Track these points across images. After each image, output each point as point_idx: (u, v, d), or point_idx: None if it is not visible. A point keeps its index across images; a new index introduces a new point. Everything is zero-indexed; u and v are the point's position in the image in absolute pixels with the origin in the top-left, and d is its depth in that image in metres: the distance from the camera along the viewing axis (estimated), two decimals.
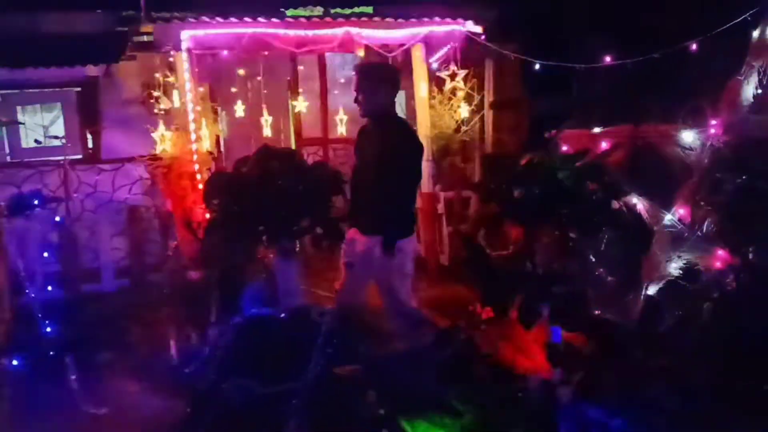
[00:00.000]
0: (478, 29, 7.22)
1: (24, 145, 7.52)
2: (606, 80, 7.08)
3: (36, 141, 7.08)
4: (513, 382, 2.86)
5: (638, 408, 2.81)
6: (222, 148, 8.42)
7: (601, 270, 4.47)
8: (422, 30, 7.07)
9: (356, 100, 4.28)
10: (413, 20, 7.09)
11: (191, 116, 6.51)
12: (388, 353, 2.84)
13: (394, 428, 2.42)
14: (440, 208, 7.42)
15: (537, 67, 7.01)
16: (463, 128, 7.64)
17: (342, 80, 7.57)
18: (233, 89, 6.86)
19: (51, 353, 5.10)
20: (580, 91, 7.50)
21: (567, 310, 3.29)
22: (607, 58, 6.53)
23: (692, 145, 4.64)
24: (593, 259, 4.44)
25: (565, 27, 7.96)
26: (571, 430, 2.61)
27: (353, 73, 4.54)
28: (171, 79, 6.68)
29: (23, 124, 7.04)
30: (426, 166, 7.49)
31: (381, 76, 4.40)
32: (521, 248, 3.91)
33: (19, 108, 7.60)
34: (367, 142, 4.30)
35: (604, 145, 5.16)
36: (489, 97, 8.16)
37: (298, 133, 8.89)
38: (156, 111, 7.11)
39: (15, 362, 5.04)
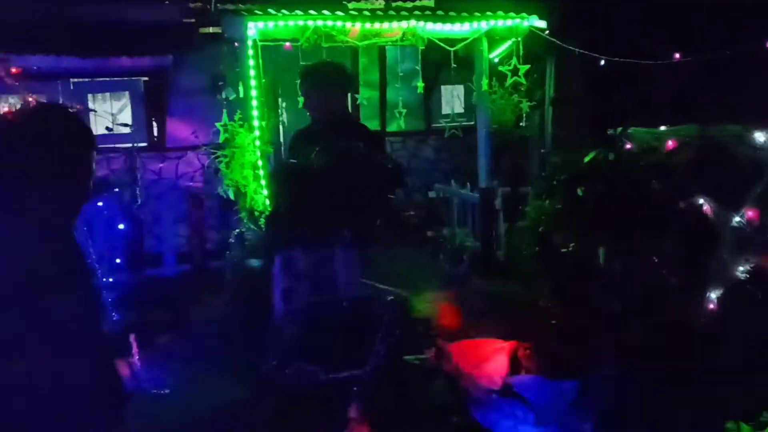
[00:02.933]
0: (542, 24, 7.14)
1: (94, 132, 7.79)
2: (672, 78, 6.93)
3: (107, 128, 7.32)
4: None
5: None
6: (282, 139, 8.57)
7: (665, 271, 4.39)
8: (485, 24, 7.04)
9: (305, 106, 4.10)
10: (476, 14, 7.06)
11: (254, 106, 6.62)
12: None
13: (463, 417, 2.44)
14: (497, 203, 7.38)
15: (602, 63, 6.89)
16: (523, 124, 7.58)
17: (401, 73, 7.59)
18: (297, 81, 6.93)
19: (116, 334, 5.27)
20: (644, 88, 7.36)
21: (639, 309, 3.25)
22: (675, 55, 6.39)
23: (765, 145, 4.50)
24: (656, 260, 4.36)
25: (630, 22, 7.80)
26: None
27: (302, 77, 4.29)
28: (236, 69, 6.82)
29: (95, 111, 7.29)
30: (483, 162, 7.49)
31: (332, 77, 4.15)
32: (584, 246, 3.87)
33: (90, 96, 7.85)
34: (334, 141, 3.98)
35: (670, 144, 5.06)
36: (550, 93, 8.08)
37: None
38: (220, 101, 7.27)
39: None
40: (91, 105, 7.55)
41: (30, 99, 5.24)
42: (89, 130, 2.22)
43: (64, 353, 1.84)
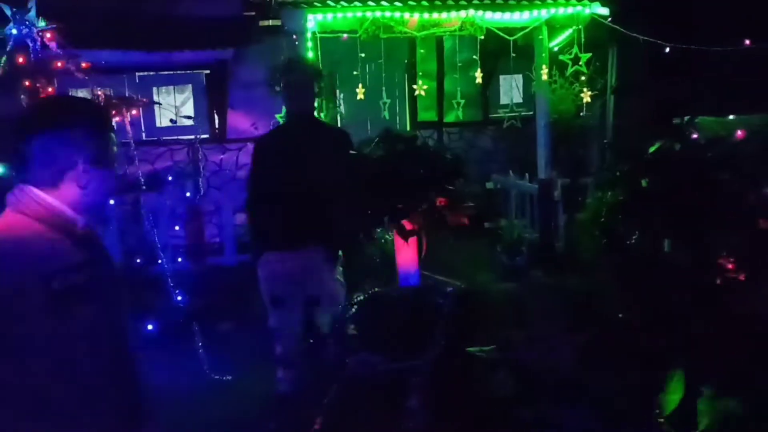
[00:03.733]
0: (605, 11, 6.98)
1: (158, 124, 7.99)
2: (741, 65, 6.70)
3: (171, 121, 7.52)
4: None
5: None
6: None
7: (734, 264, 4.25)
8: (545, 12, 6.93)
9: (286, 99, 3.99)
10: (536, 2, 6.95)
11: None
12: (523, 335, 2.84)
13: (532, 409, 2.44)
14: (557, 195, 7.28)
15: (667, 50, 6.70)
16: (583, 113, 7.45)
17: (459, 63, 7.54)
18: (354, 72, 6.99)
19: (180, 320, 5.40)
20: (711, 76, 7.13)
21: (707, 302, 3.16)
22: (745, 42, 6.17)
23: None
24: (725, 252, 4.24)
25: (697, 7, 7.56)
26: None
27: (282, 72, 4.08)
28: None
29: (160, 104, 7.49)
30: (542, 152, 7.39)
31: (311, 74, 4.07)
32: (649, 238, 3.78)
33: (154, 89, 8.07)
34: (298, 149, 3.80)
35: (739, 133, 4.90)
36: (612, 82, 7.91)
37: (414, 116, 8.96)
38: (279, 93, 7.33)
39: (150, 327, 5.40)
40: (155, 98, 7.74)
41: (98, 92, 5.39)
42: (94, 112, 2.03)
43: (80, 361, 1.81)
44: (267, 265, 3.86)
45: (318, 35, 6.63)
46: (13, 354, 1.72)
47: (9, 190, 1.92)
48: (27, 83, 5.08)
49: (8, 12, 4.71)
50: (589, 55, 6.98)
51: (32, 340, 1.73)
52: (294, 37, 6.84)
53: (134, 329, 2.18)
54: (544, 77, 7.12)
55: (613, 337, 2.61)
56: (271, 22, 7.36)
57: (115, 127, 2.03)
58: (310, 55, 6.61)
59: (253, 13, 7.52)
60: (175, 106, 8.08)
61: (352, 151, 3.99)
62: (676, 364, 2.59)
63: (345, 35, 6.86)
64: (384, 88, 7.36)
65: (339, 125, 8.44)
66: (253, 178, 3.93)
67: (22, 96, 5.07)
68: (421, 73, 8.31)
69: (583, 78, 7.12)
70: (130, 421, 1.95)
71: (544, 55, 7.12)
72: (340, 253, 3.87)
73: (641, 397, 2.42)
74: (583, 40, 6.97)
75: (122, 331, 1.99)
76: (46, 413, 1.77)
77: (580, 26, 6.93)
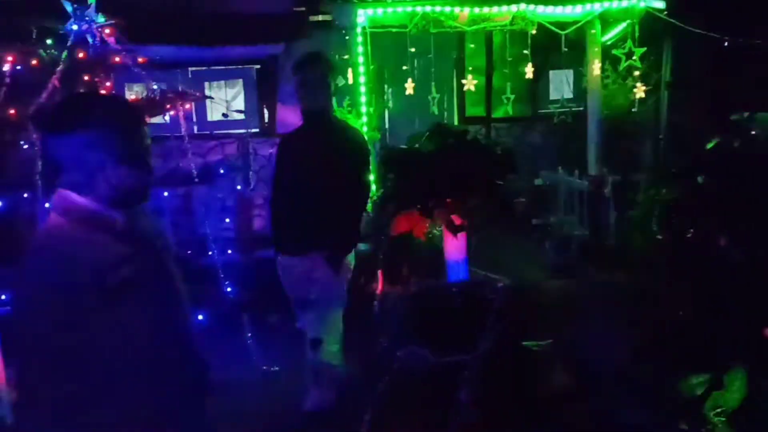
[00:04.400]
0: (660, 4, 6.83)
1: (209, 118, 8.11)
2: None
3: (223, 115, 7.63)
4: None
5: None
6: (387, 125, 8.64)
7: None
8: (598, 5, 6.81)
9: (300, 98, 3.79)
10: None
11: (362, 93, 6.72)
12: (577, 330, 2.81)
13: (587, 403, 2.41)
14: (607, 191, 7.16)
15: (725, 44, 6.52)
16: (635, 109, 7.31)
17: (509, 58, 7.47)
18: (404, 67, 7.00)
19: (229, 311, 5.49)
20: None
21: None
22: None
23: None
24: None
25: (754, 0, 7.34)
26: None
27: (295, 68, 3.88)
28: (346, 57, 6.93)
29: (212, 98, 7.62)
30: (593, 148, 7.29)
31: (326, 70, 3.84)
32: (706, 236, 3.69)
33: (206, 84, 8.20)
34: (309, 149, 3.72)
35: None
36: (666, 77, 7.74)
37: (462, 111, 8.92)
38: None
39: (200, 317, 5.50)
40: (207, 92, 7.87)
41: (153, 87, 5.50)
42: (117, 109, 1.98)
43: (141, 348, 1.86)
44: (283, 269, 3.88)
45: (368, 30, 6.65)
46: (78, 346, 1.79)
47: None
48: (86, 77, 5.23)
49: (69, 8, 4.84)
50: (643, 49, 6.84)
51: (94, 332, 1.79)
52: (344, 32, 6.88)
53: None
54: (597, 72, 7.01)
55: (669, 334, 2.56)
56: (321, 18, 7.41)
57: (145, 120, 2.00)
58: (360, 50, 6.64)
59: (304, 9, 7.58)
60: (226, 100, 8.20)
61: (366, 152, 3.89)
62: (737, 363, 2.53)
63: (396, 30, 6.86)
64: (433, 83, 7.35)
65: (387, 120, 8.49)
66: (274, 177, 3.93)
67: (82, 90, 5.21)
68: (470, 68, 8.25)
69: (636, 73, 6.97)
70: (191, 400, 2.00)
71: (596, 49, 7.01)
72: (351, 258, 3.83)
73: (698, 395, 2.37)
74: (637, 34, 6.83)
75: (180, 319, 2.03)
76: (112, 399, 1.82)
77: (635, 20, 6.80)
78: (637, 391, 2.30)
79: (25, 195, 5.45)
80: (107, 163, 1.85)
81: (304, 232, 3.64)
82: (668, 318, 2.87)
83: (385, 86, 8.65)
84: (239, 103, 8.36)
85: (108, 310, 1.79)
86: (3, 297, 4.97)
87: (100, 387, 1.81)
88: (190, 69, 7.99)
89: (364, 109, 6.71)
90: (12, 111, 5.21)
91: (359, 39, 6.63)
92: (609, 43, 7.18)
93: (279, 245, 3.94)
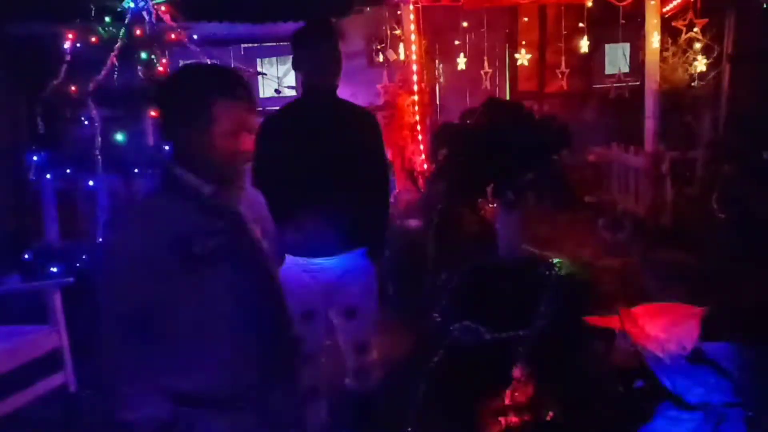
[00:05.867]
0: None
1: (261, 95, 8.17)
2: None
3: (276, 91, 7.68)
4: None
5: None
6: (438, 101, 8.58)
7: None
8: None
9: (306, 72, 3.23)
10: None
11: (414, 68, 6.67)
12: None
13: (648, 381, 2.38)
14: (664, 168, 6.98)
15: None
16: (695, 83, 7.09)
17: (565, 32, 7.31)
18: (456, 42, 6.92)
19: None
20: None
21: None
22: None
23: None
24: None
25: None
26: None
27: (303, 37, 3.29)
28: (397, 32, 6.89)
29: (266, 74, 7.67)
30: (650, 124, 7.09)
31: (338, 40, 3.34)
32: None
33: (258, 60, 8.25)
34: (319, 131, 3.09)
35: None
36: (728, 50, 7.46)
37: (514, 86, 8.80)
38: (379, 63, 7.38)
39: None
40: (259, 69, 7.92)
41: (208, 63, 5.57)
42: (224, 79, 1.98)
43: (224, 316, 1.92)
44: (291, 274, 2.94)
45: (420, 4, 6.59)
46: (162, 310, 1.87)
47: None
48: (143, 54, 5.33)
49: None
50: (705, 21, 6.61)
51: (177, 299, 1.88)
52: (396, 7, 6.83)
53: None
54: (655, 45, 6.80)
55: (738, 311, 2.49)
56: None
57: (251, 93, 2.01)
58: (412, 25, 6.59)
59: None
60: (278, 77, 8.24)
61: (378, 137, 3.41)
62: None
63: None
64: (485, 58, 7.25)
65: (438, 96, 8.42)
66: (258, 168, 2.92)
67: (139, 67, 5.32)
68: (523, 42, 8.10)
69: (697, 45, 6.75)
70: (278, 372, 2.05)
71: (655, 21, 6.79)
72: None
73: None
74: (698, 4, 6.60)
75: (267, 293, 2.06)
76: (193, 365, 1.89)
77: None
78: (705, 367, 2.25)
79: (86, 170, 5.62)
80: (210, 136, 1.89)
81: (334, 228, 2.99)
82: (737, 295, 2.79)
83: (437, 61, 8.57)
84: (291, 80, 8.38)
85: (192, 279, 1.87)
86: (66, 268, 5.16)
87: (182, 352, 1.88)
88: (242, 46, 8.05)
89: (415, 85, 6.67)
90: (73, 88, 5.36)
91: (411, 13, 6.57)
92: (669, 14, 6.95)
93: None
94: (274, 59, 8.47)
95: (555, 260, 3.44)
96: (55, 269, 5.27)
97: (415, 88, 6.63)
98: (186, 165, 1.93)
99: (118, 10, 5.28)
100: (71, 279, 4.32)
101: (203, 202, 1.93)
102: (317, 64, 3.19)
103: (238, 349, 1.94)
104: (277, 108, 3.35)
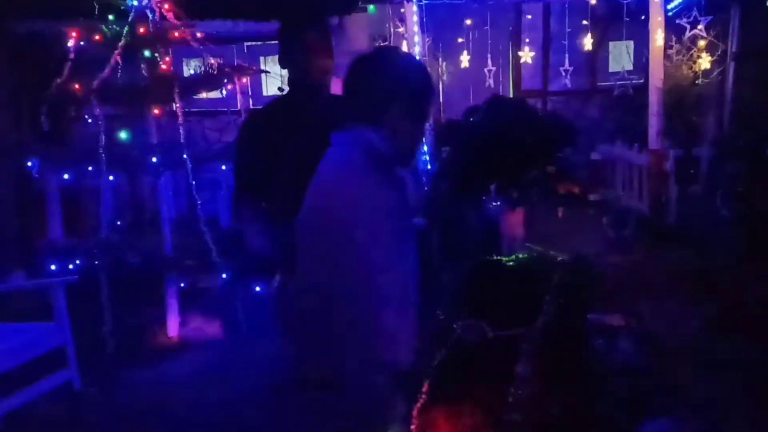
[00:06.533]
0: None
1: (264, 93, 8.19)
2: None
3: (279, 89, 7.66)
4: None
5: None
6: (441, 99, 8.58)
7: None
8: None
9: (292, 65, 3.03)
10: None
11: None
12: (644, 306, 2.76)
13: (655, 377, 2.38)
14: (668, 166, 6.97)
15: None
16: (699, 81, 7.07)
17: (568, 29, 7.30)
18: (459, 39, 6.91)
19: None
20: None
21: None
22: None
23: None
24: None
25: None
26: None
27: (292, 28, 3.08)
28: (401, 29, 6.88)
29: (269, 72, 7.66)
30: (654, 122, 7.07)
31: (324, 32, 3.09)
32: None
33: (261, 58, 8.26)
34: (309, 129, 2.57)
35: None
36: (733, 47, 7.44)
37: (517, 84, 8.79)
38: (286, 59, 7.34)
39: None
40: (263, 67, 7.93)
41: (211, 61, 5.57)
42: (419, 67, 2.16)
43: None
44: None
45: (423, 2, 6.58)
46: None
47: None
48: (147, 53, 5.32)
49: None
50: (709, 18, 6.59)
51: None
52: (400, 4, 6.82)
53: None
54: (659, 43, 6.78)
55: (744, 308, 2.48)
56: None
57: (433, 87, 2.14)
58: (416, 22, 6.58)
59: None
60: (281, 75, 8.23)
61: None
62: None
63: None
64: (489, 56, 7.25)
65: (441, 93, 8.42)
66: (241, 172, 2.83)
67: (143, 65, 5.32)
68: (527, 40, 8.10)
69: (702, 43, 6.73)
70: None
71: (659, 18, 6.76)
72: None
73: None
74: (702, 2, 6.58)
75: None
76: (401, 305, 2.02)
77: None
78: (712, 363, 2.24)
79: (90, 169, 5.62)
80: (394, 109, 1.96)
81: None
82: (742, 293, 2.77)
83: (440, 59, 8.57)
84: None
85: (409, 244, 2.04)
86: (71, 266, 5.16)
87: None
88: (245, 44, 8.05)
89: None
90: (76, 86, 5.36)
91: (414, 11, 6.56)
92: (673, 12, 6.93)
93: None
94: (277, 57, 8.48)
95: (559, 258, 3.42)
96: (55, 267, 5.27)
97: None
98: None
99: (122, 8, 5.26)
100: (76, 277, 4.33)
101: (391, 176, 2.02)
102: (302, 58, 2.99)
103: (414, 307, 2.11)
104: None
